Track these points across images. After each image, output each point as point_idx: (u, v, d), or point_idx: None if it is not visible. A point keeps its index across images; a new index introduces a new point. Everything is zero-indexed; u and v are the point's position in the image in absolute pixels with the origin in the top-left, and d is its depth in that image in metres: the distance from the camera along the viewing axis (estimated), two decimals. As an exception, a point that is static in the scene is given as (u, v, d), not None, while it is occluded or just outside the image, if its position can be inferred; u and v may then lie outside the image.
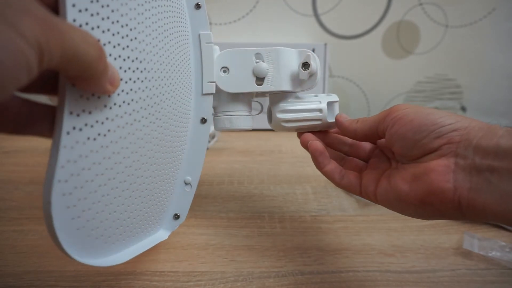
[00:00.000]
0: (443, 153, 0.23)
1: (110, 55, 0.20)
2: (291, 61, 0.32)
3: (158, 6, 0.24)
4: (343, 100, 0.74)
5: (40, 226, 0.37)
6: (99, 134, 0.20)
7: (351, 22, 0.68)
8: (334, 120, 0.33)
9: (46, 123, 0.20)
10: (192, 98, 0.28)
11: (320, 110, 0.33)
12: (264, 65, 0.31)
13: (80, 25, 0.18)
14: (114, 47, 0.20)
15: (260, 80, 0.32)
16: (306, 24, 0.68)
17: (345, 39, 0.69)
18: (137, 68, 0.22)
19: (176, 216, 0.29)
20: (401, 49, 0.70)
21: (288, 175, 0.50)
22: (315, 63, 0.31)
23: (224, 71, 0.31)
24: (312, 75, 0.31)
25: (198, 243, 0.36)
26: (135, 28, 0.21)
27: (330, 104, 0.34)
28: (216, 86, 0.32)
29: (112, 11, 0.20)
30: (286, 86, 0.32)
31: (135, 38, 0.22)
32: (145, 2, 0.22)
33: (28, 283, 0.30)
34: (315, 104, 0.33)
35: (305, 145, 0.33)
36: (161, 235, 0.28)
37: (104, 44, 0.20)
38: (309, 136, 0.33)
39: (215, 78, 0.30)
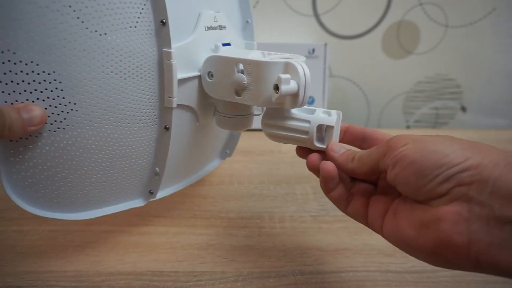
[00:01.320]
0: (453, 198, 0.20)
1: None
2: (275, 76, 0.28)
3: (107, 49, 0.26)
4: (343, 100, 0.74)
5: (40, 226, 0.37)
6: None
7: (351, 22, 0.68)
8: (324, 146, 0.29)
9: None
10: (158, 108, 0.30)
11: (306, 133, 0.29)
12: (241, 78, 0.29)
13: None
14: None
15: (239, 91, 0.30)
16: (306, 24, 0.67)
17: (345, 39, 0.69)
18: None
19: (151, 192, 0.35)
20: (401, 49, 0.70)
21: (288, 175, 0.50)
22: (288, 87, 0.26)
23: (211, 76, 0.31)
24: (292, 95, 0.27)
25: (198, 243, 0.36)
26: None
27: (327, 127, 0.29)
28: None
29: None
30: (264, 102, 0.29)
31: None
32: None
33: (28, 283, 0.30)
34: (303, 123, 0.29)
35: (312, 166, 0.29)
36: (137, 202, 0.35)
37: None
38: (316, 157, 0.29)
39: (174, 93, 0.30)
